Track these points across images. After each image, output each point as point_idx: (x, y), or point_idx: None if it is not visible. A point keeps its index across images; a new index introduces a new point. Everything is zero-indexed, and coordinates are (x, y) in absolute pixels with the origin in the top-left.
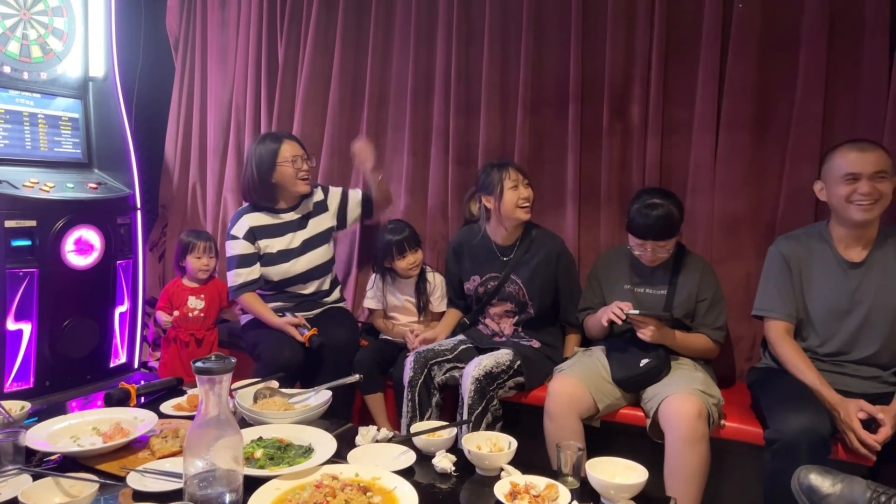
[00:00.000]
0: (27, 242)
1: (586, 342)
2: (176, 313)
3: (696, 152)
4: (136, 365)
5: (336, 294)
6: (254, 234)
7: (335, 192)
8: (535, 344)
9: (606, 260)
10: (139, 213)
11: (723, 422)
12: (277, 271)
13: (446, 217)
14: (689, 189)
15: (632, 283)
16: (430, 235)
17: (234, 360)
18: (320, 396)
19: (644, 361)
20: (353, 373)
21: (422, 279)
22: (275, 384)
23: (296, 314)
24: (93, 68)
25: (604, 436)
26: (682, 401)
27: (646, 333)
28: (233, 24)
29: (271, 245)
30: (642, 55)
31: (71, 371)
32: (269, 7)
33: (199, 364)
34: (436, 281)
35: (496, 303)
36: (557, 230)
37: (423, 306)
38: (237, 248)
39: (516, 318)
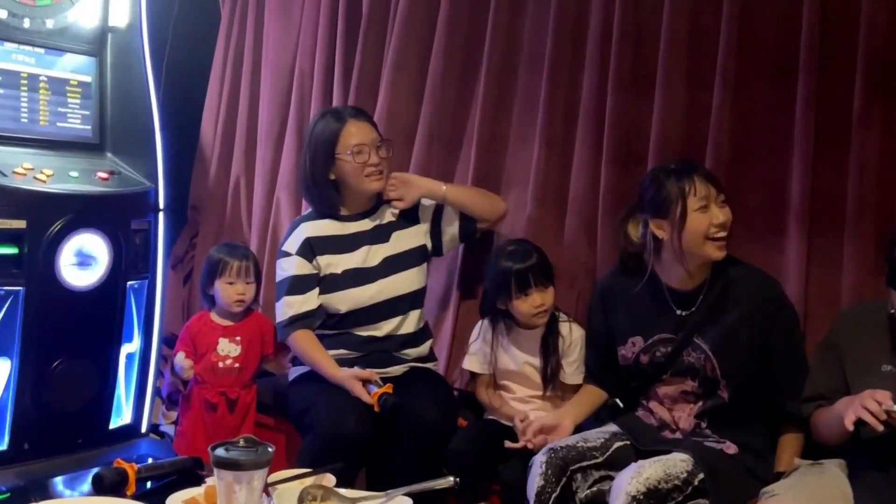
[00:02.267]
0: (13, 250)
1: (813, 450)
2: (189, 363)
3: None
4: (143, 429)
5: (425, 347)
6: (311, 248)
7: (430, 200)
8: (730, 448)
9: (854, 323)
10: (161, 215)
11: None
12: (345, 298)
13: (593, 241)
14: None
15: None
16: (568, 267)
17: (271, 448)
18: None
19: None
20: (444, 470)
21: (551, 332)
22: (330, 480)
23: (365, 368)
24: (113, 16)
25: None
26: None
27: None
28: None
29: (336, 263)
30: None
31: (58, 431)
32: None
33: (219, 452)
34: (573, 336)
35: (669, 379)
36: (771, 270)
37: (550, 374)
38: (289, 267)
39: (699, 404)
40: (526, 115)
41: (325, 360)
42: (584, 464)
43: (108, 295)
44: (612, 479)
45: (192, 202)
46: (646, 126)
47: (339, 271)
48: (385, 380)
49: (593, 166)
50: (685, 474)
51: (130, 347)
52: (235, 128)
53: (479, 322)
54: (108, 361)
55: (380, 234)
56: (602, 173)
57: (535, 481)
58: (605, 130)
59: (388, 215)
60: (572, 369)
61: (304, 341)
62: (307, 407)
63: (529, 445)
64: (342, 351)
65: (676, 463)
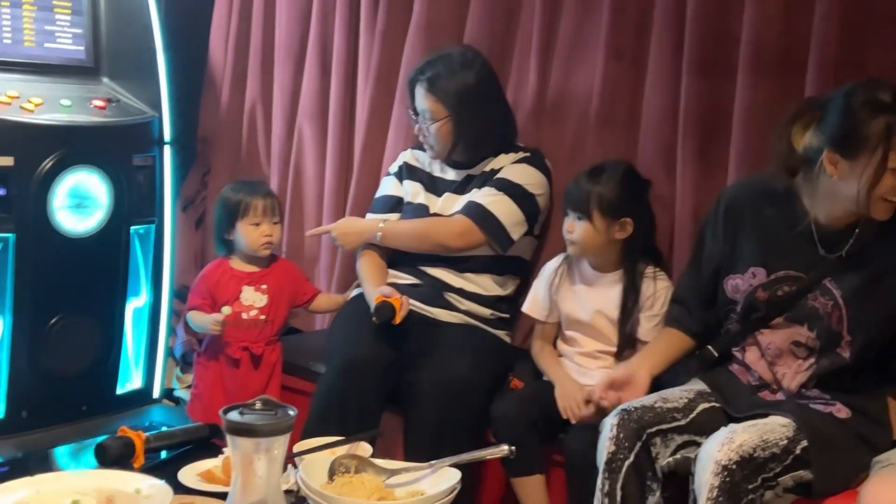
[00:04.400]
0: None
1: None
2: (227, 310)
3: None
4: (156, 394)
5: (490, 312)
6: (402, 172)
7: (522, 172)
8: (841, 411)
9: None
10: (168, 149)
11: None
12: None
13: (672, 169)
14: None
15: None
16: None
17: (293, 411)
18: (442, 478)
19: None
20: (495, 434)
21: (633, 283)
22: (366, 449)
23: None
24: None
25: None
26: None
27: None
28: None
29: (415, 194)
30: None
31: (60, 397)
32: None
33: (233, 416)
34: (657, 287)
35: (781, 324)
36: None
37: (627, 330)
38: (382, 187)
39: (811, 360)
40: (587, 15)
41: (367, 280)
42: (664, 427)
43: (110, 242)
44: (697, 444)
45: (201, 134)
46: (734, 27)
47: (415, 202)
48: (429, 322)
49: (672, 76)
50: (785, 441)
51: (138, 302)
52: (248, 46)
53: (557, 256)
54: (113, 318)
55: (467, 185)
56: (682, 87)
57: (604, 447)
58: (686, 35)
59: (490, 166)
60: (651, 325)
61: (362, 262)
62: (327, 343)
63: (604, 403)
64: (403, 275)
65: (775, 428)
